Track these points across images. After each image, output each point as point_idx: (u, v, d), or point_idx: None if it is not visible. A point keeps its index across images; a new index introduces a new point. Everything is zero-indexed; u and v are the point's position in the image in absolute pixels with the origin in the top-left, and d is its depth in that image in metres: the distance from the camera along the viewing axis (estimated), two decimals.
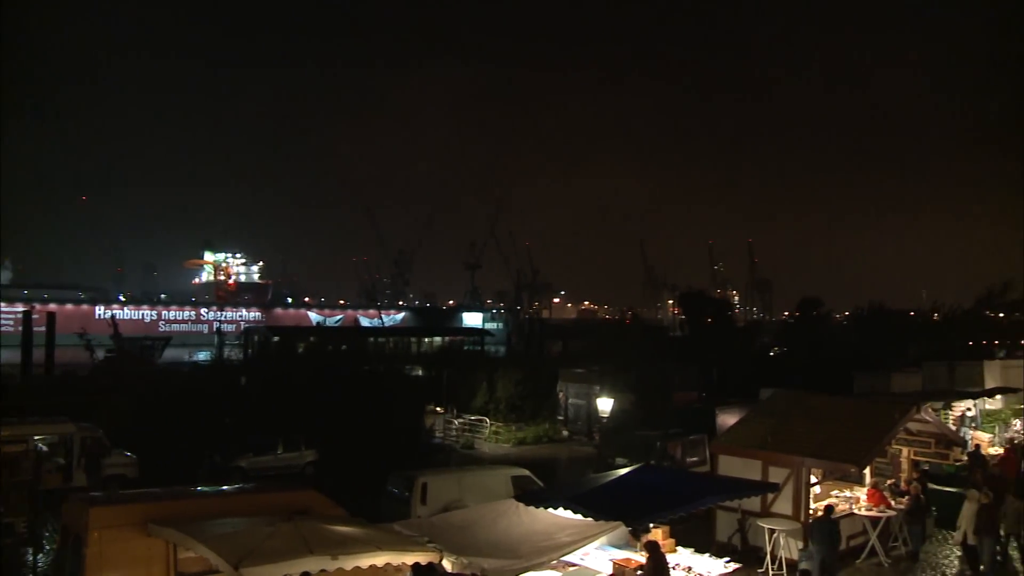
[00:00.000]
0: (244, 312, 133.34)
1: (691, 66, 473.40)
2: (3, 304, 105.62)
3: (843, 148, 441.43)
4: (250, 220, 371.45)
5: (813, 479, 19.14)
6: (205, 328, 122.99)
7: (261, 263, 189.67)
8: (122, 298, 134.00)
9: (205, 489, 17.00)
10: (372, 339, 73.37)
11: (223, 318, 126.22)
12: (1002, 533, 19.02)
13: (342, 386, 37.56)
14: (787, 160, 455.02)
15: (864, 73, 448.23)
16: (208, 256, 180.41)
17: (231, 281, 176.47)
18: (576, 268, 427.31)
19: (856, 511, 19.51)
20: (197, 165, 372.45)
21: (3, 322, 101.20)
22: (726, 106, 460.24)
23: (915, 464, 22.56)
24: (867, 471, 20.84)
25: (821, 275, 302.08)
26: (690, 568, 15.35)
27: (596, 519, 14.01)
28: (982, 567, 18.31)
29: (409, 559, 12.45)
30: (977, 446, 26.08)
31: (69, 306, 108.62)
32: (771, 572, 17.96)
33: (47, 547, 19.38)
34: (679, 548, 16.24)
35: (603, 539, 15.14)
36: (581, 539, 13.96)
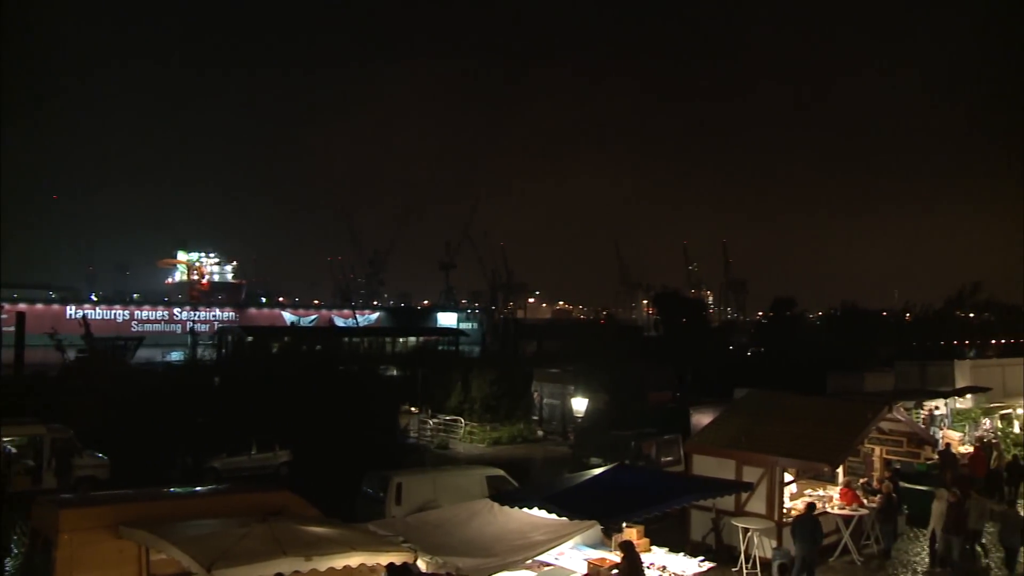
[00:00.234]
0: (218, 312, 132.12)
1: (667, 67, 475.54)
2: None
3: (817, 149, 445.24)
4: (224, 220, 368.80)
5: (787, 478, 19.26)
6: (178, 328, 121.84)
7: (235, 263, 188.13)
8: (94, 298, 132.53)
9: (178, 490, 16.85)
10: (347, 339, 73.27)
11: (196, 318, 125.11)
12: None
13: (316, 386, 37.42)
14: (762, 161, 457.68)
15: (836, 74, 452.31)
16: (181, 256, 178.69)
17: (204, 281, 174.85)
18: (551, 268, 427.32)
19: (829, 510, 19.63)
20: (170, 165, 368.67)
21: None
22: (701, 107, 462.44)
23: (887, 463, 22.77)
24: (840, 470, 20.97)
25: (795, 275, 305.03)
26: (664, 567, 15.38)
27: (571, 519, 14.02)
28: (950, 565, 18.50)
29: (383, 559, 12.41)
30: (948, 445, 26.34)
31: (39, 306, 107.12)
32: (745, 571, 18.04)
33: (15, 551, 19.12)
34: (654, 547, 16.28)
35: (578, 539, 15.17)
36: (556, 538, 13.96)
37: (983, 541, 19.88)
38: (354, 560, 11.95)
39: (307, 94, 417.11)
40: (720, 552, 18.74)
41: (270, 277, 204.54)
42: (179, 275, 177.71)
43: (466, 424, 38.90)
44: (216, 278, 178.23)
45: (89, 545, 12.48)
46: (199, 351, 67.77)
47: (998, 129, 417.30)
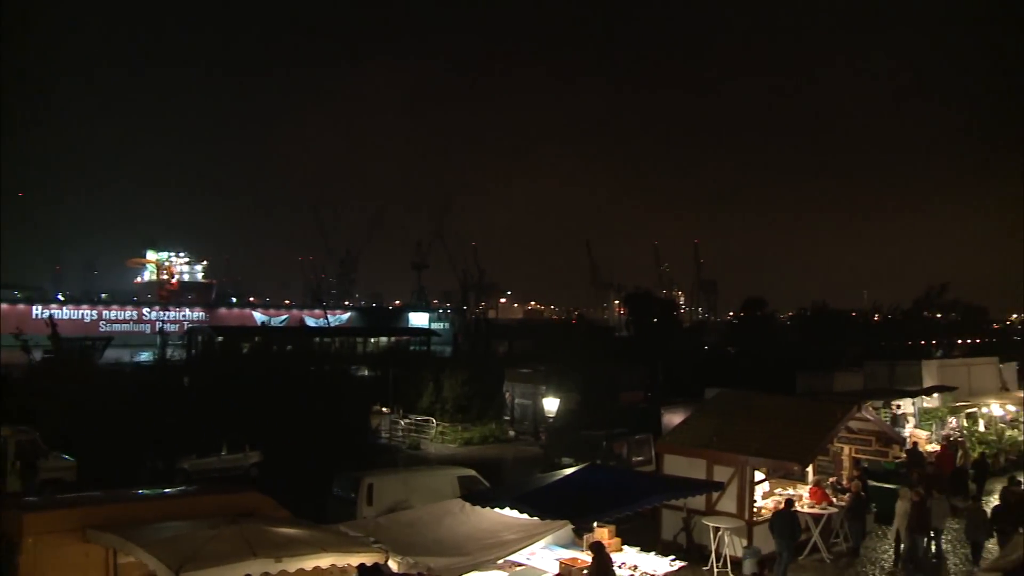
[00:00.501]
0: (187, 312, 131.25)
1: (638, 67, 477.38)
2: None
3: (787, 150, 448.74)
4: (194, 219, 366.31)
5: (758, 477, 19.37)
6: (147, 328, 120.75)
7: (205, 262, 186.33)
8: (60, 297, 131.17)
9: (146, 492, 16.65)
10: (318, 339, 72.68)
11: (166, 318, 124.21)
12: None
13: (287, 387, 37.18)
14: (733, 162, 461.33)
15: (807, 74, 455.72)
16: (151, 255, 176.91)
17: (174, 280, 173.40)
18: (523, 268, 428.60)
19: (799, 509, 19.79)
20: (140, 163, 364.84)
21: None
22: (673, 108, 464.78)
23: (856, 462, 22.98)
24: (810, 469, 21.15)
25: (766, 276, 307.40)
26: (636, 567, 15.43)
27: (542, 519, 14.02)
28: (914, 563, 18.71)
29: (354, 560, 12.34)
30: (915, 443, 26.62)
31: (4, 306, 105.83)
32: (716, 570, 18.13)
33: None
34: (625, 547, 16.32)
35: (549, 538, 15.20)
36: (527, 538, 13.98)
37: (943, 540, 20.18)
38: (325, 561, 11.87)
39: (279, 94, 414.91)
40: (691, 551, 18.86)
41: (241, 277, 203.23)
42: (148, 275, 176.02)
43: (438, 424, 38.83)
44: (186, 278, 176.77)
45: (54, 549, 12.26)
46: (168, 351, 66.91)
47: (968, 131, 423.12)
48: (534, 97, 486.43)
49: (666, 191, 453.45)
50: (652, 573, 15.28)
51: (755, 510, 18.94)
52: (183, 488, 19.25)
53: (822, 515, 19.89)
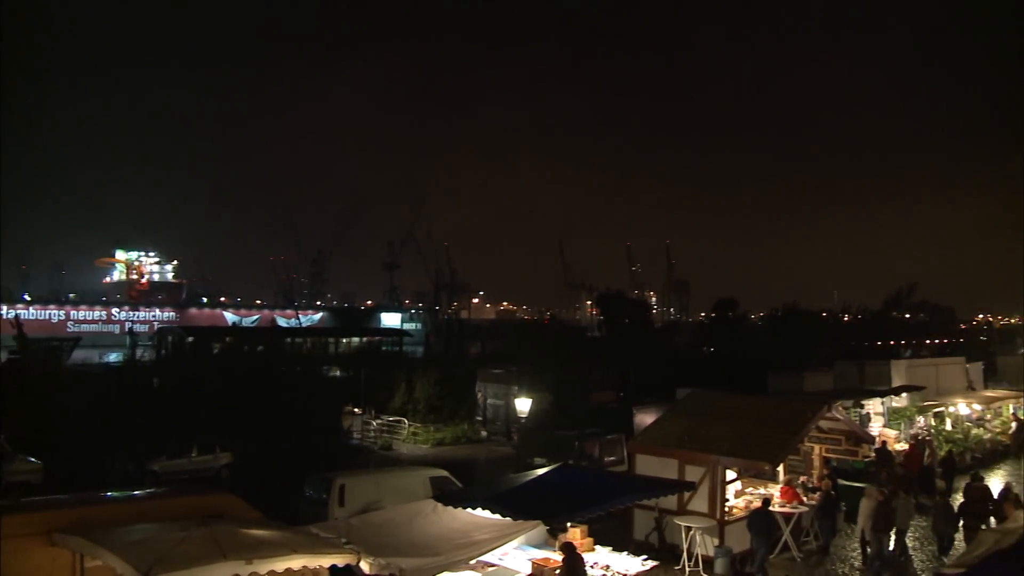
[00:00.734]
0: (158, 312, 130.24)
1: (611, 68, 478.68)
2: None
3: (758, 151, 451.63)
4: (164, 218, 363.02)
5: (729, 476, 19.46)
6: (117, 328, 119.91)
7: (175, 262, 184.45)
8: (27, 297, 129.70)
9: (114, 494, 16.45)
10: (289, 339, 72.32)
11: (135, 318, 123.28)
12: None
13: (258, 387, 36.95)
14: (704, 163, 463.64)
15: (778, 78, 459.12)
16: (120, 254, 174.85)
17: (144, 280, 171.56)
18: (495, 269, 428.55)
19: (770, 508, 19.90)
20: (109, 162, 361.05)
21: None
22: (645, 109, 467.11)
23: (826, 461, 23.16)
24: (781, 468, 21.30)
25: (738, 277, 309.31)
26: (608, 566, 15.46)
27: (515, 519, 14.00)
28: (881, 561, 18.89)
29: (326, 561, 12.26)
30: (884, 442, 26.88)
31: None
32: (688, 569, 18.21)
33: None
34: (597, 547, 16.35)
35: (522, 539, 15.19)
36: (499, 538, 13.95)
37: (910, 538, 20.41)
38: (296, 563, 11.79)
39: (251, 93, 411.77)
40: (663, 551, 18.93)
41: (212, 277, 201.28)
42: (117, 274, 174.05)
43: (410, 425, 38.74)
44: (156, 277, 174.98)
45: (19, 554, 12.04)
46: (138, 352, 66.36)
47: (937, 132, 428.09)
48: (507, 97, 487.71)
49: (639, 192, 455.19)
50: (624, 573, 15.31)
51: (727, 509, 19.03)
52: (153, 490, 19.06)
53: (793, 514, 20.03)
